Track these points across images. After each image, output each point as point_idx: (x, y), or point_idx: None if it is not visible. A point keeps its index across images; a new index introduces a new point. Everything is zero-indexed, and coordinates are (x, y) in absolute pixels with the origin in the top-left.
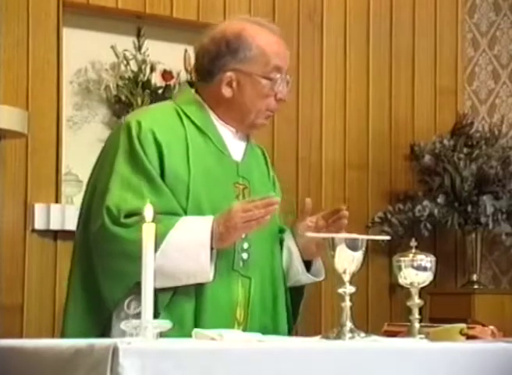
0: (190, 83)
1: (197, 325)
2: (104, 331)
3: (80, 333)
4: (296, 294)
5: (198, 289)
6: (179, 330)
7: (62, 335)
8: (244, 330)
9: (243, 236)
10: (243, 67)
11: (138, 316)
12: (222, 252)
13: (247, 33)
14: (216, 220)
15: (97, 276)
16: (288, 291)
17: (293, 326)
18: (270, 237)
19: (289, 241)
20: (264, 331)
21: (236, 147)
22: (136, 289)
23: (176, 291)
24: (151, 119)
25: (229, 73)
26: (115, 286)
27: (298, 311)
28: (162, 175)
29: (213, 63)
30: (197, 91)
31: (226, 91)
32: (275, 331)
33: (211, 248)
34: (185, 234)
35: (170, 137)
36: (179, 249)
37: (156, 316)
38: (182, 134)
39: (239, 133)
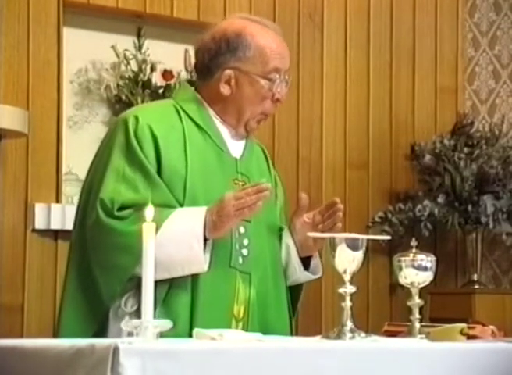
0: (190, 83)
1: (192, 319)
2: (101, 329)
3: (75, 331)
4: (294, 292)
5: (194, 283)
6: (175, 325)
7: (57, 333)
8: (245, 326)
9: (243, 231)
10: (242, 66)
11: (135, 313)
12: (219, 249)
13: (247, 32)
14: (209, 210)
15: (93, 270)
16: (287, 288)
17: (292, 324)
18: (271, 233)
19: (287, 239)
20: (266, 328)
21: (235, 144)
22: (132, 286)
23: (172, 284)
24: (149, 114)
25: (227, 71)
26: (111, 279)
27: (296, 309)
28: (159, 169)
29: (212, 61)
30: (196, 90)
31: (225, 89)
32: (277, 328)
33: (206, 239)
34: (179, 225)
35: (167, 132)
36: (173, 240)
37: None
38: (180, 130)
39: (237, 132)
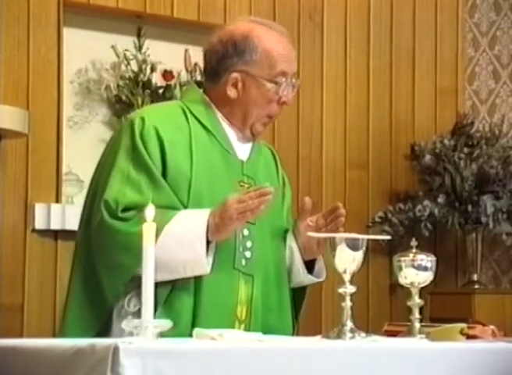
0: (198, 84)
1: (194, 321)
2: (104, 328)
3: (79, 329)
4: (298, 295)
5: (197, 285)
6: (177, 326)
7: (61, 330)
8: (247, 328)
9: (247, 234)
10: (248, 69)
11: (138, 313)
12: (222, 250)
13: (254, 34)
14: (212, 212)
15: (97, 270)
16: (291, 291)
17: (295, 326)
18: (275, 235)
19: (290, 242)
20: (269, 330)
21: (241, 147)
22: (136, 286)
23: (174, 285)
24: (155, 116)
25: (234, 74)
26: (115, 279)
27: (299, 312)
28: (164, 171)
29: (220, 64)
30: (204, 92)
31: (231, 92)
32: (279, 330)
33: (209, 241)
34: (182, 226)
35: (173, 134)
36: (176, 241)
37: (154, 310)
38: (186, 131)
39: (244, 135)
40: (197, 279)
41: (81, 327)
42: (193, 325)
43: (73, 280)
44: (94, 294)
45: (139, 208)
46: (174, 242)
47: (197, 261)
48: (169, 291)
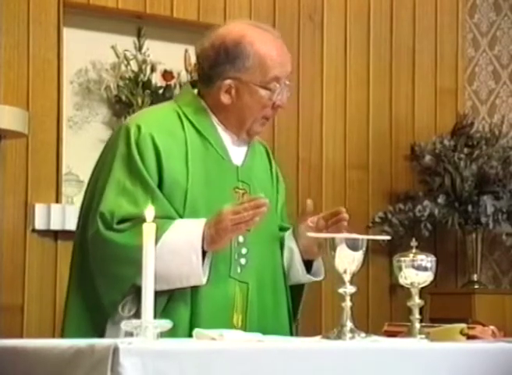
0: (193, 84)
1: (191, 331)
2: (100, 335)
3: (79, 336)
4: (296, 293)
5: (194, 295)
6: (174, 336)
7: (62, 337)
8: None
9: (242, 240)
10: (241, 76)
11: (132, 318)
12: (219, 260)
13: (246, 41)
14: (207, 223)
15: (95, 279)
16: (289, 290)
17: (293, 326)
18: (271, 239)
19: (290, 242)
20: (265, 334)
21: (237, 150)
22: (131, 292)
23: (171, 296)
24: (151, 123)
25: (227, 81)
26: (111, 290)
27: (298, 310)
28: (160, 181)
29: (212, 69)
30: (199, 93)
31: (225, 98)
32: (276, 334)
33: (204, 251)
34: (178, 237)
35: (169, 142)
36: (172, 252)
37: None
38: (182, 138)
39: (240, 138)
40: (194, 289)
41: (81, 335)
42: (190, 336)
43: (72, 284)
44: (91, 302)
45: (134, 219)
46: (170, 253)
47: (193, 272)
48: (166, 302)
